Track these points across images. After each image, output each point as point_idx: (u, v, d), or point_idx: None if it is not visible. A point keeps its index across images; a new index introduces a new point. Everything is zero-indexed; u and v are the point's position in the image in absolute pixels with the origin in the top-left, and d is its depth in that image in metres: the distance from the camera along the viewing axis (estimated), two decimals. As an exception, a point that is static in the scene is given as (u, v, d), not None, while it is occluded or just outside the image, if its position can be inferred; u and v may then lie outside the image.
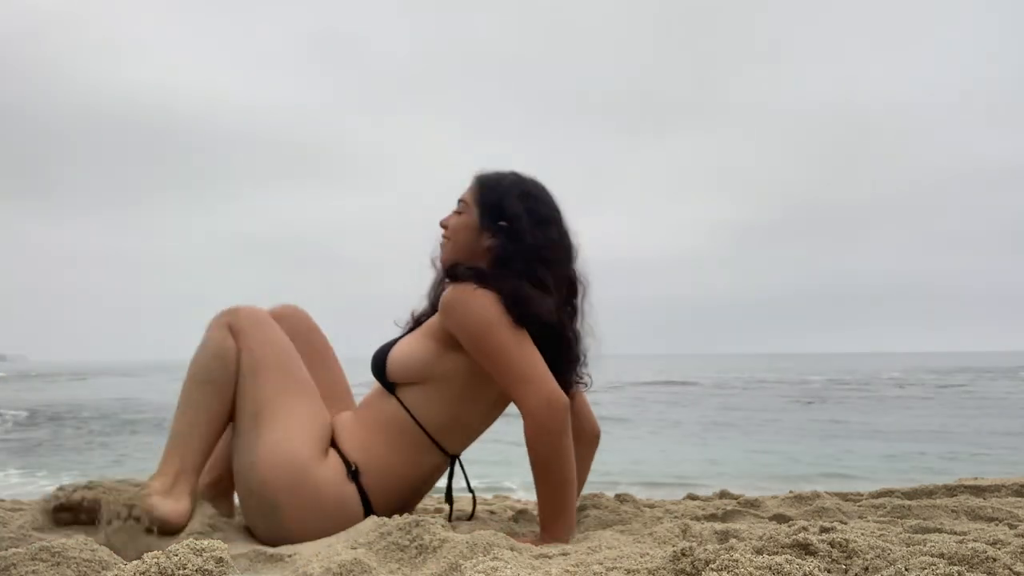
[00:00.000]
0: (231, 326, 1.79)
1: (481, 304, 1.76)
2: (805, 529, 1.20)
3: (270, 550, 1.49)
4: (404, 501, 1.87)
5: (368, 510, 1.75)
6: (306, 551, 1.47)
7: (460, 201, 1.97)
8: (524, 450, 1.69)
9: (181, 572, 1.04)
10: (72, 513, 1.65)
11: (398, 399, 1.84)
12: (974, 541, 1.19)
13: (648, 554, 1.28)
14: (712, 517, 1.99)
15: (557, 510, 1.69)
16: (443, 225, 1.98)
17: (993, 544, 1.18)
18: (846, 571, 1.09)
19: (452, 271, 1.90)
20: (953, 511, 1.92)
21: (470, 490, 2.05)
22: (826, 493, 2.31)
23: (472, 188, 1.97)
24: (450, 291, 1.81)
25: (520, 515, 2.15)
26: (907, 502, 2.06)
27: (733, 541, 1.22)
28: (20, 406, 19.83)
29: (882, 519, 1.81)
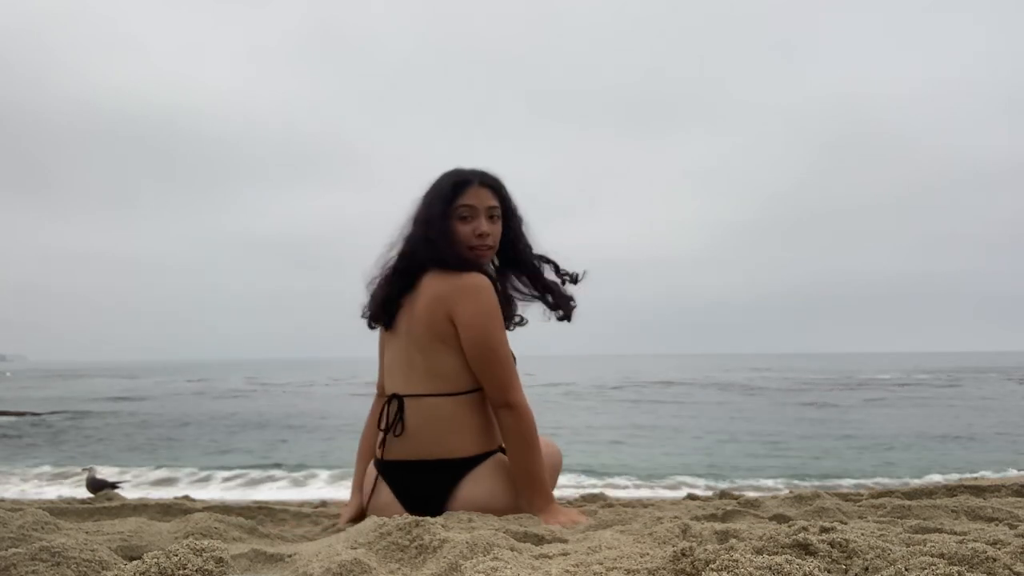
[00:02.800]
0: None
1: (494, 298, 2.01)
2: (805, 529, 1.20)
3: (270, 550, 1.49)
4: None
5: None
6: (306, 551, 1.47)
7: (492, 207, 2.12)
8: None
9: (181, 572, 1.04)
10: None
11: None
12: (974, 541, 1.19)
13: (648, 554, 1.28)
14: (712, 517, 1.99)
15: (541, 482, 2.01)
16: (485, 234, 2.10)
17: (993, 544, 1.18)
18: (846, 571, 1.09)
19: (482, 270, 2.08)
20: (953, 511, 1.92)
21: None
22: (826, 493, 2.31)
23: (496, 195, 2.14)
24: (476, 277, 1.99)
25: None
26: (907, 502, 2.06)
27: (733, 541, 1.22)
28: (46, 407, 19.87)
29: (882, 519, 1.80)
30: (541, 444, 2.18)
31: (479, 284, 1.99)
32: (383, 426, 2.07)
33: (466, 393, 2.03)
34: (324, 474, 8.68)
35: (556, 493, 2.23)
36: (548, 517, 1.96)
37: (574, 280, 2.26)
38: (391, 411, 2.06)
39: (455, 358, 2.02)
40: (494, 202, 2.12)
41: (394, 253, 2.16)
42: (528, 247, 2.23)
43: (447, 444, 2.01)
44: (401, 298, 2.09)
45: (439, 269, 2.04)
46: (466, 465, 2.01)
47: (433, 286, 2.02)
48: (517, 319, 2.24)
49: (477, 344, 1.98)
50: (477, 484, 2.00)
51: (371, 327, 2.21)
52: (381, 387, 2.28)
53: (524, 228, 2.23)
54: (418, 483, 2.03)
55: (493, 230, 2.11)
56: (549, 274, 2.25)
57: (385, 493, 2.08)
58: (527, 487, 2.00)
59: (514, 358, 2.08)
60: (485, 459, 2.04)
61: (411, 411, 2.03)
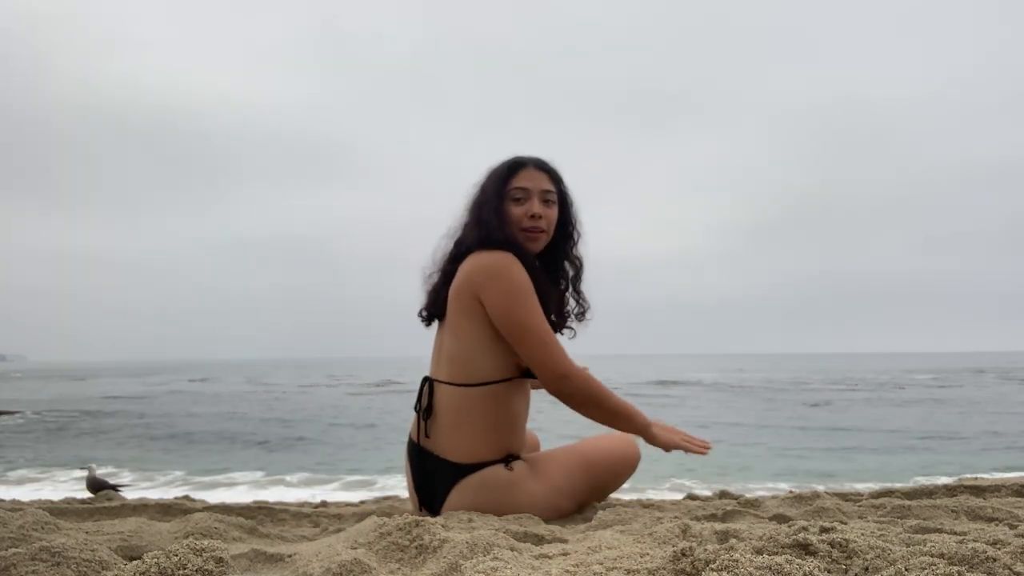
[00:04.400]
0: None
1: (523, 274, 1.93)
2: (805, 529, 1.20)
3: (270, 550, 1.49)
4: None
5: None
6: (306, 551, 1.47)
7: (547, 191, 2.06)
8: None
9: (181, 572, 1.04)
10: None
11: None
12: (974, 541, 1.19)
13: (648, 554, 1.28)
14: (712, 517, 1.99)
15: (626, 422, 2.03)
16: (538, 216, 2.04)
17: (993, 544, 1.18)
18: (846, 571, 1.09)
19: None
20: (953, 511, 1.92)
21: None
22: (826, 493, 2.31)
23: (552, 180, 2.09)
24: (501, 256, 1.94)
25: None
26: (907, 502, 2.06)
27: (733, 541, 1.22)
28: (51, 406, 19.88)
29: (882, 519, 1.80)
30: (590, 447, 2.18)
31: (504, 262, 1.93)
32: (416, 406, 2.08)
33: (475, 386, 1.97)
34: (322, 476, 8.68)
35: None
36: (652, 438, 2.06)
37: (581, 312, 2.21)
38: (423, 392, 2.06)
39: (475, 343, 1.96)
40: (549, 186, 2.06)
41: (450, 242, 2.12)
42: (576, 242, 2.18)
43: (448, 442, 2.00)
44: (449, 286, 2.04)
45: (481, 251, 1.99)
46: (460, 472, 2.00)
47: (465, 266, 1.99)
48: (575, 310, 2.19)
49: (507, 324, 1.92)
50: (463, 497, 1.99)
51: (427, 324, 2.16)
52: None
53: (576, 222, 2.17)
54: (428, 475, 2.05)
55: (547, 213, 2.05)
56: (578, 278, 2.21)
57: (409, 477, 2.12)
58: (622, 427, 2.05)
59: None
60: (476, 470, 1.99)
61: (435, 396, 2.04)
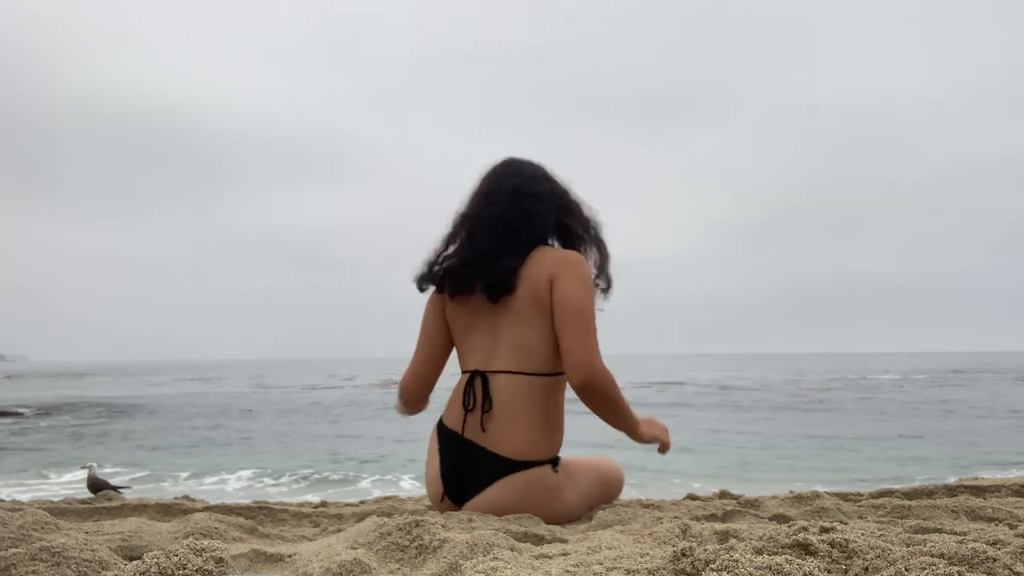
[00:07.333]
0: None
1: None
2: (805, 529, 1.20)
3: (270, 550, 1.49)
4: None
5: None
6: (306, 551, 1.47)
7: None
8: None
9: (181, 572, 1.04)
10: None
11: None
12: (974, 541, 1.19)
13: (648, 554, 1.28)
14: (712, 517, 1.99)
15: (630, 423, 2.06)
16: None
17: (993, 544, 1.18)
18: (846, 571, 1.09)
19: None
20: (953, 511, 1.92)
21: None
22: (826, 493, 2.31)
23: None
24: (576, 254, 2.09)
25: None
26: (907, 502, 2.06)
27: (733, 541, 1.22)
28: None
29: (882, 519, 1.80)
30: (601, 465, 2.26)
31: (584, 258, 2.09)
32: (465, 402, 2.03)
33: (547, 376, 2.01)
34: (320, 478, 8.68)
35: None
36: (639, 436, 2.13)
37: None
38: (474, 386, 2.02)
39: (548, 332, 1.98)
40: None
41: (523, 225, 2.08)
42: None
43: (504, 435, 1.96)
44: (522, 267, 2.04)
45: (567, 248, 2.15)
46: (509, 467, 1.96)
47: (547, 257, 2.02)
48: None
49: (570, 305, 1.94)
50: (505, 492, 1.96)
51: (494, 300, 2.04)
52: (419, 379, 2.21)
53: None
54: (466, 467, 2.01)
55: None
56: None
57: (435, 466, 2.09)
58: (626, 427, 2.08)
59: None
60: (525, 468, 1.97)
61: (492, 388, 2.01)
